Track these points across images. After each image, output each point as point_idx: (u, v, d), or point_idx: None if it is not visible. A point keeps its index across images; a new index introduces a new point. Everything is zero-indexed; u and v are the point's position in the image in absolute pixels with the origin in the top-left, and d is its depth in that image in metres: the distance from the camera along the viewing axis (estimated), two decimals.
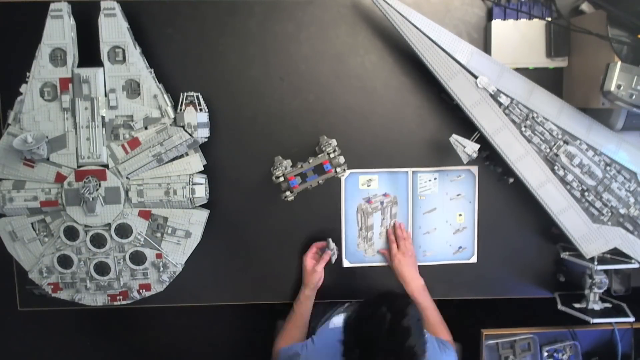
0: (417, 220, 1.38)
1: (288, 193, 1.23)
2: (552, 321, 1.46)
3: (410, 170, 1.36)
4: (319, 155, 1.23)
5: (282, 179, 1.23)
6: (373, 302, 1.06)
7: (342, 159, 1.25)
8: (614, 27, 1.13)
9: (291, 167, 1.24)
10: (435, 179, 1.37)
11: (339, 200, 1.37)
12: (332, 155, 1.23)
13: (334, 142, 1.25)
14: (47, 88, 1.21)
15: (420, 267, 1.39)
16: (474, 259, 1.40)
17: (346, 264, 1.40)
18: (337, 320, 1.27)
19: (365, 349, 1.00)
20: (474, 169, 1.37)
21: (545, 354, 1.45)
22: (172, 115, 1.23)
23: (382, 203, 1.37)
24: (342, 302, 1.42)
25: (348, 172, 1.35)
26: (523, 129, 1.23)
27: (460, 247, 1.40)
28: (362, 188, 1.37)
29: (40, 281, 1.29)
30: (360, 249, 1.39)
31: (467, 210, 1.39)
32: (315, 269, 1.32)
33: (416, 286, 1.32)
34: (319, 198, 1.35)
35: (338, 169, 1.24)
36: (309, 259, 1.34)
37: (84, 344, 2.17)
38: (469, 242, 1.40)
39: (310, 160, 1.23)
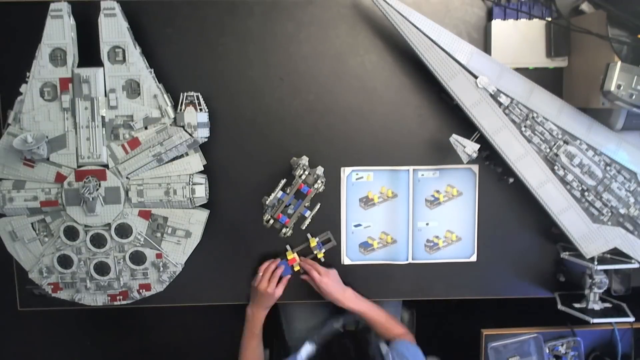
0: (417, 217, 1.38)
1: (284, 230, 1.25)
2: (552, 321, 1.46)
3: (411, 168, 1.36)
4: (293, 182, 1.24)
5: (272, 221, 1.24)
6: (337, 338, 1.07)
7: (319, 171, 1.25)
8: (614, 27, 1.13)
9: (280, 196, 1.24)
10: (436, 178, 1.37)
11: (338, 198, 1.37)
12: (303, 177, 1.23)
13: (303, 160, 1.26)
14: (47, 88, 1.21)
15: (421, 265, 1.39)
16: (473, 258, 1.40)
17: (346, 261, 1.40)
18: (304, 351, 1.28)
19: None
20: (475, 168, 1.37)
21: (547, 350, 1.45)
22: (172, 115, 1.23)
23: (383, 199, 1.37)
24: (318, 329, 1.42)
25: (350, 169, 1.35)
26: (523, 129, 1.23)
27: (458, 239, 1.40)
28: (359, 181, 1.36)
29: (40, 281, 1.29)
30: (360, 246, 1.39)
31: (467, 209, 1.39)
32: (274, 293, 1.32)
33: (348, 298, 1.33)
34: (319, 196, 1.35)
35: (316, 185, 1.23)
36: (264, 282, 1.31)
37: (84, 344, 2.18)
38: (468, 240, 1.40)
39: (288, 191, 1.23)
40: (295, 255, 1.35)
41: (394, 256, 1.39)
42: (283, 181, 1.22)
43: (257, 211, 1.34)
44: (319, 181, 1.23)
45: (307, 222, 1.29)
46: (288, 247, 1.36)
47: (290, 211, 1.24)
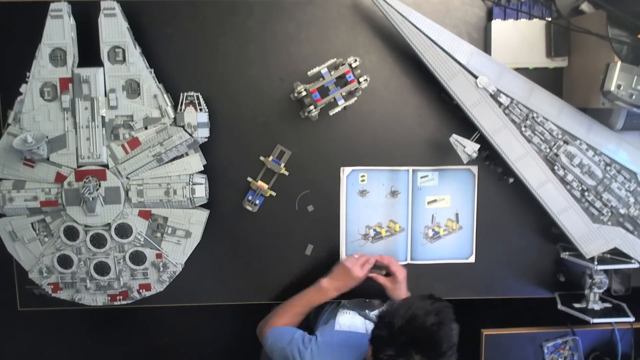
0: (416, 218, 1.38)
1: (312, 108, 1.18)
2: (552, 321, 1.46)
3: (410, 168, 1.36)
4: (340, 67, 1.19)
5: (304, 93, 1.18)
6: (416, 303, 1.06)
7: (366, 76, 1.20)
8: (614, 27, 1.13)
9: (324, 73, 1.19)
10: (434, 178, 1.37)
11: (338, 197, 1.36)
12: (354, 65, 1.18)
13: (357, 58, 1.21)
14: (47, 88, 1.21)
15: (420, 266, 1.39)
16: (472, 259, 1.40)
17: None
18: (344, 320, 1.25)
19: (400, 348, 0.99)
20: (474, 169, 1.37)
21: (546, 350, 1.45)
22: (172, 115, 1.23)
23: (383, 197, 1.38)
24: (336, 302, 1.41)
25: (350, 169, 1.35)
26: (523, 129, 1.23)
27: (457, 246, 1.40)
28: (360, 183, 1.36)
29: (40, 281, 1.29)
30: (360, 244, 1.39)
31: (466, 210, 1.39)
32: (359, 279, 1.29)
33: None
34: (318, 196, 1.35)
35: (361, 79, 1.19)
36: (358, 268, 1.29)
37: (84, 344, 2.17)
38: (467, 242, 1.40)
39: (332, 73, 1.18)
40: (260, 182, 1.31)
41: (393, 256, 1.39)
42: (333, 60, 1.17)
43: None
44: (364, 76, 1.19)
45: (336, 109, 1.22)
46: (249, 179, 1.32)
47: (329, 93, 1.17)
